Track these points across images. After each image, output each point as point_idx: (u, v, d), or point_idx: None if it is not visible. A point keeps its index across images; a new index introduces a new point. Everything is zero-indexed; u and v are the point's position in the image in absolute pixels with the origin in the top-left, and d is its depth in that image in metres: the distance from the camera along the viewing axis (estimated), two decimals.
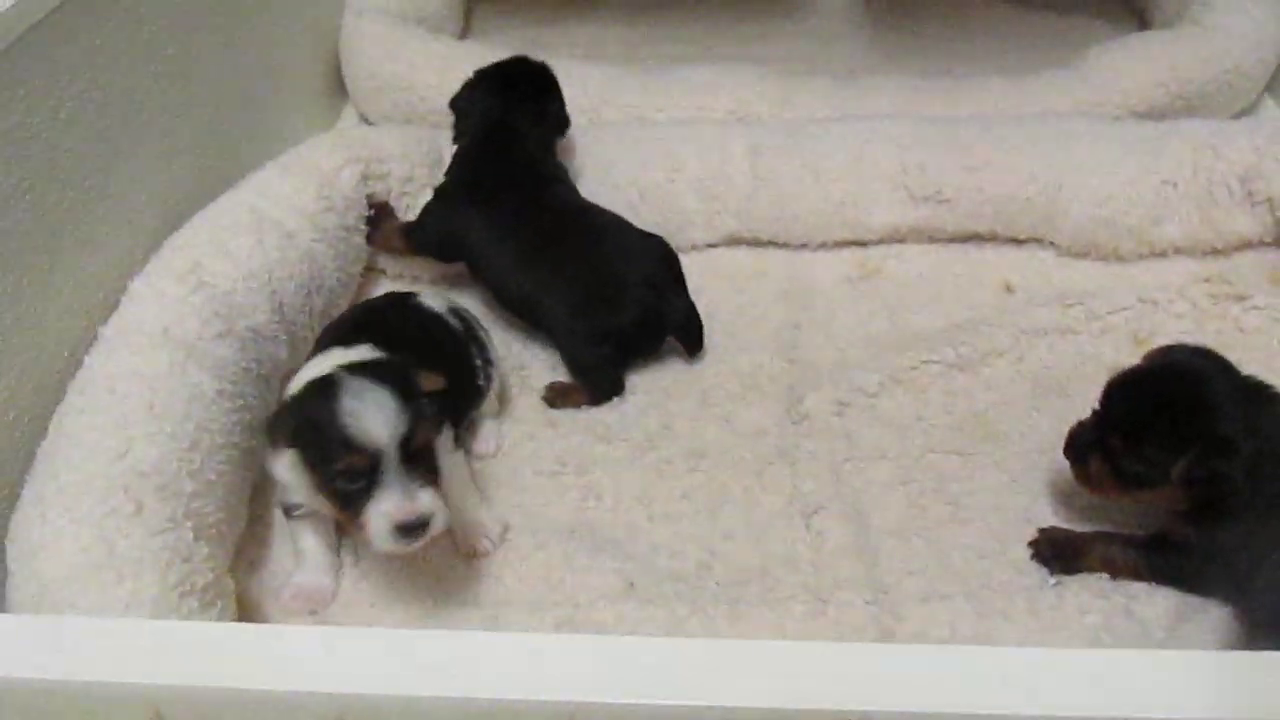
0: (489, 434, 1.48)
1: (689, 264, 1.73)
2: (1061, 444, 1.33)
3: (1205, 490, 1.19)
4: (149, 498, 1.13)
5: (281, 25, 1.94)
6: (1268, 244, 1.68)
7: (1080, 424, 1.30)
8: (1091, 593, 1.26)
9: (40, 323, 1.29)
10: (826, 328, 1.64)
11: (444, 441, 1.23)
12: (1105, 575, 1.28)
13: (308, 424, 1.11)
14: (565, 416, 1.51)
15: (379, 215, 1.66)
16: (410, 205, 1.71)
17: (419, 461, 1.12)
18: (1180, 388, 1.21)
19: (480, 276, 1.60)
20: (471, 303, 1.63)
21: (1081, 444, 1.28)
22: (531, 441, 1.48)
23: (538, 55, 2.21)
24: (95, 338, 1.33)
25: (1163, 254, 1.69)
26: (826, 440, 1.46)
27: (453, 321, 1.48)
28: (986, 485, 1.41)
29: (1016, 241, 1.73)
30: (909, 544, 1.33)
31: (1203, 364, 1.23)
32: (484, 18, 2.42)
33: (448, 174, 1.64)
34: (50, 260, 1.31)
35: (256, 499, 1.38)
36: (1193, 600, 1.25)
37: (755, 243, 1.76)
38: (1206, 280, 1.64)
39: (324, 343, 1.39)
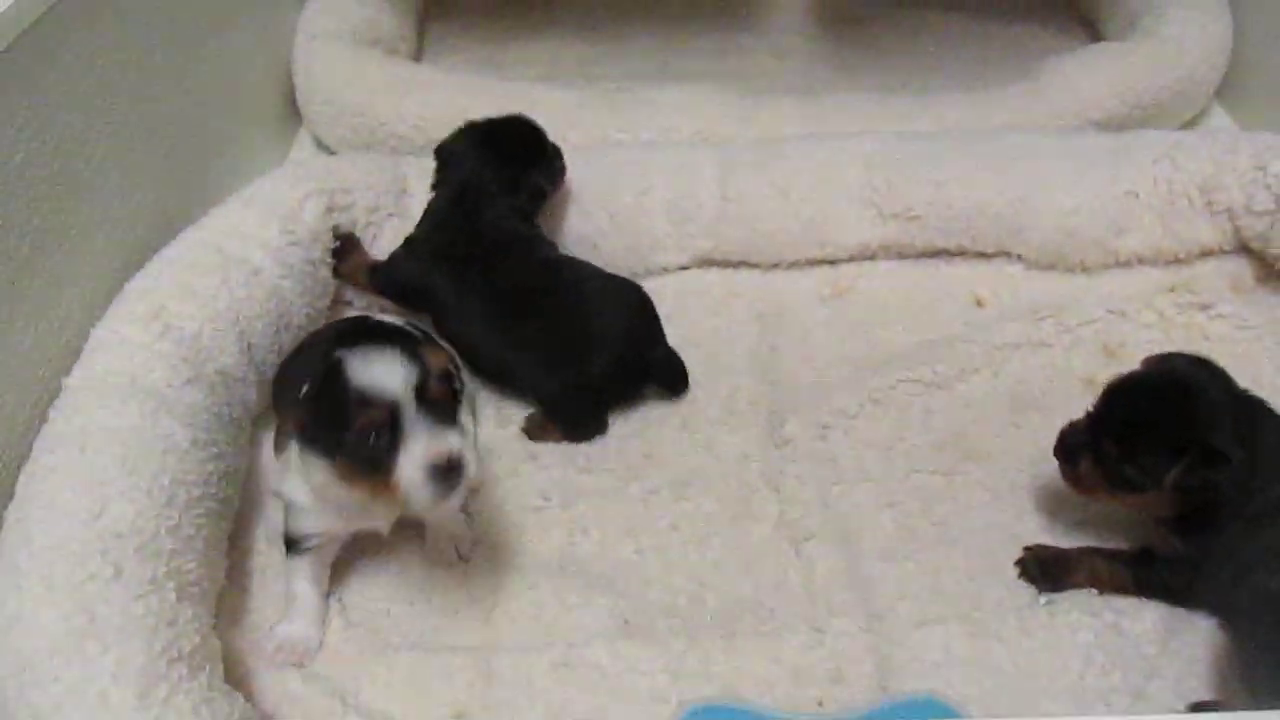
0: None
1: (661, 287, 1.73)
2: (1041, 458, 1.35)
3: (1195, 499, 1.21)
4: (128, 560, 1.09)
5: (235, 52, 1.90)
6: (1228, 252, 1.70)
7: (1072, 425, 1.31)
8: (1082, 610, 1.27)
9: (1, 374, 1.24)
10: (802, 349, 1.64)
11: (463, 411, 1.20)
12: (1094, 591, 1.29)
13: (318, 402, 1.08)
14: (546, 449, 1.49)
15: (345, 247, 1.62)
16: (376, 235, 1.67)
17: (438, 410, 1.07)
18: (1178, 397, 1.22)
19: (444, 334, 1.53)
20: None
21: (1073, 445, 1.29)
22: (514, 476, 1.46)
23: (493, 73, 2.23)
24: (59, 389, 1.28)
25: (1127, 264, 1.71)
26: (811, 464, 1.46)
27: (415, 332, 1.46)
28: (972, 504, 1.42)
29: (985, 255, 1.74)
30: (900, 567, 1.34)
31: (1201, 375, 1.25)
32: (438, 37, 2.38)
33: (419, 224, 1.59)
34: (9, 309, 1.25)
35: (233, 548, 1.34)
36: (1180, 613, 1.27)
37: (726, 264, 1.75)
38: (1171, 290, 1.67)
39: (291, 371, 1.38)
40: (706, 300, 1.72)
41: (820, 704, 1.21)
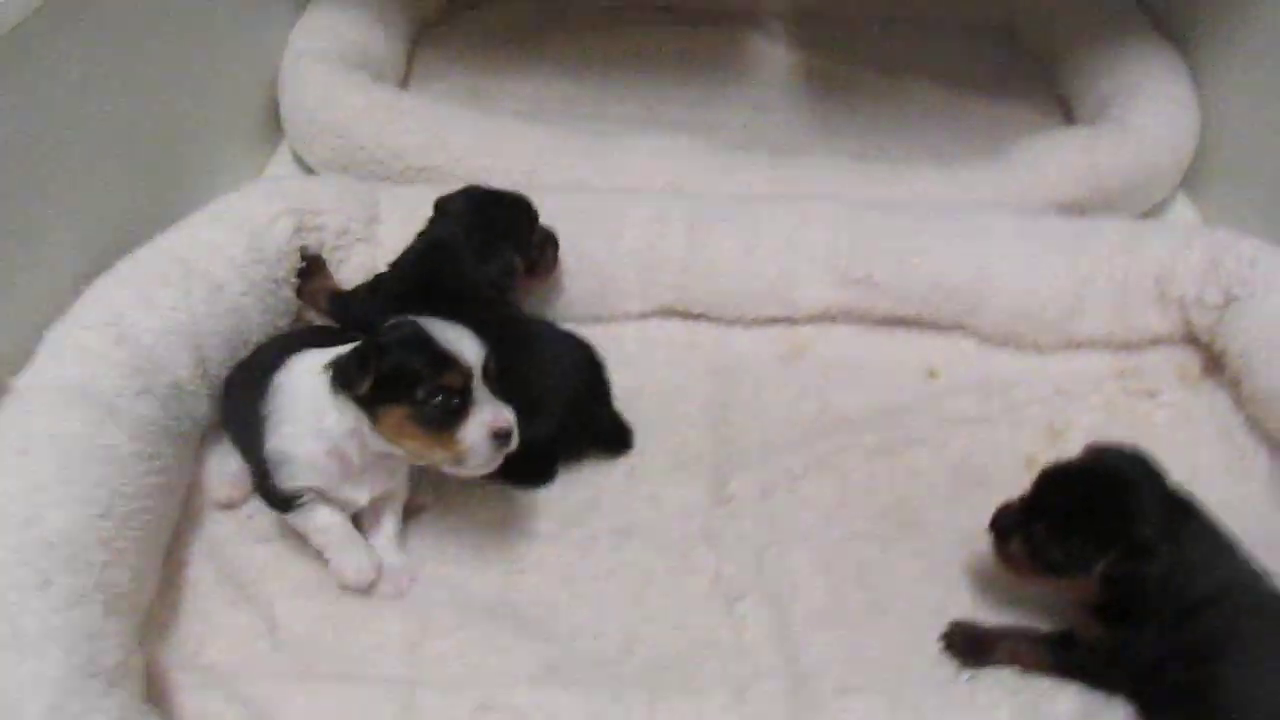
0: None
1: (621, 333, 1.76)
2: (977, 534, 1.37)
3: (1120, 589, 1.23)
4: (58, 570, 1.09)
5: (222, 63, 1.91)
6: (1177, 342, 1.74)
7: (1007, 504, 1.33)
8: (1004, 688, 1.30)
9: None
10: (754, 406, 1.65)
11: None
12: (1017, 669, 1.31)
13: (404, 356, 1.19)
14: (491, 489, 1.50)
15: (311, 269, 1.63)
16: (343, 259, 1.68)
17: (492, 387, 1.24)
18: (1111, 488, 1.25)
19: None
20: None
21: (1006, 524, 1.32)
22: (454, 514, 1.46)
23: (477, 105, 2.24)
24: (5, 389, 1.28)
25: (1079, 346, 1.75)
26: (751, 523, 1.47)
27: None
28: (905, 575, 1.44)
29: (942, 328, 1.77)
30: (828, 634, 1.35)
31: (1136, 468, 1.28)
32: (427, 63, 2.40)
33: (391, 264, 1.60)
34: None
35: (166, 561, 1.34)
36: (1099, 697, 1.29)
37: (688, 315, 1.77)
38: (1120, 375, 1.71)
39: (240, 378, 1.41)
40: (666, 350, 1.74)
41: None
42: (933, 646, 1.34)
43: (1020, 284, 1.72)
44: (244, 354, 1.49)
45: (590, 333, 1.73)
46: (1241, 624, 1.19)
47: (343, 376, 1.21)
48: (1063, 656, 1.29)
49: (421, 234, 1.62)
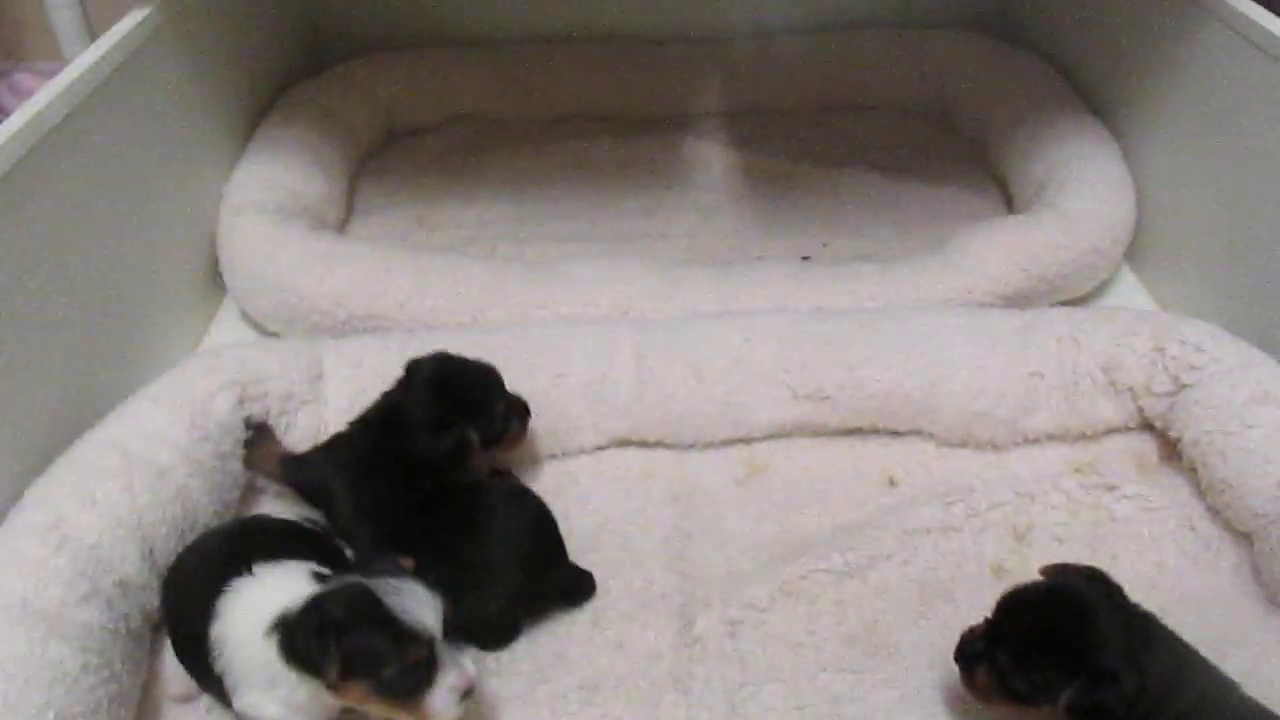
0: None
1: (577, 468, 1.74)
2: (948, 654, 1.35)
3: (1088, 717, 1.22)
4: None
5: (156, 226, 1.90)
6: (1132, 429, 1.75)
7: (971, 630, 1.32)
8: None
9: None
10: (717, 534, 1.64)
11: None
12: None
13: (365, 639, 1.16)
14: None
15: (258, 437, 1.62)
16: (290, 424, 1.67)
17: (447, 634, 1.22)
18: (1069, 614, 1.23)
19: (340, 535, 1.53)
20: None
21: (971, 653, 1.30)
22: None
23: (421, 235, 2.26)
24: None
25: (1036, 441, 1.75)
26: (719, 665, 1.45)
27: (312, 527, 1.49)
28: (879, 705, 1.41)
29: (897, 434, 1.76)
30: None
31: (1093, 591, 1.26)
32: (368, 197, 2.41)
33: (349, 424, 1.59)
34: None
35: None
36: None
37: (643, 444, 1.77)
38: (1078, 470, 1.70)
39: (192, 574, 1.38)
40: (623, 482, 1.72)
41: None
42: None
43: (971, 384, 1.72)
44: (191, 538, 1.46)
45: (544, 469, 1.73)
46: None
47: (302, 659, 1.17)
48: None
49: (385, 394, 1.60)
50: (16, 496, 1.40)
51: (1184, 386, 1.65)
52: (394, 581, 1.19)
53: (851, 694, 1.42)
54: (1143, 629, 1.24)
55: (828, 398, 1.73)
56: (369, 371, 1.71)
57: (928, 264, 1.95)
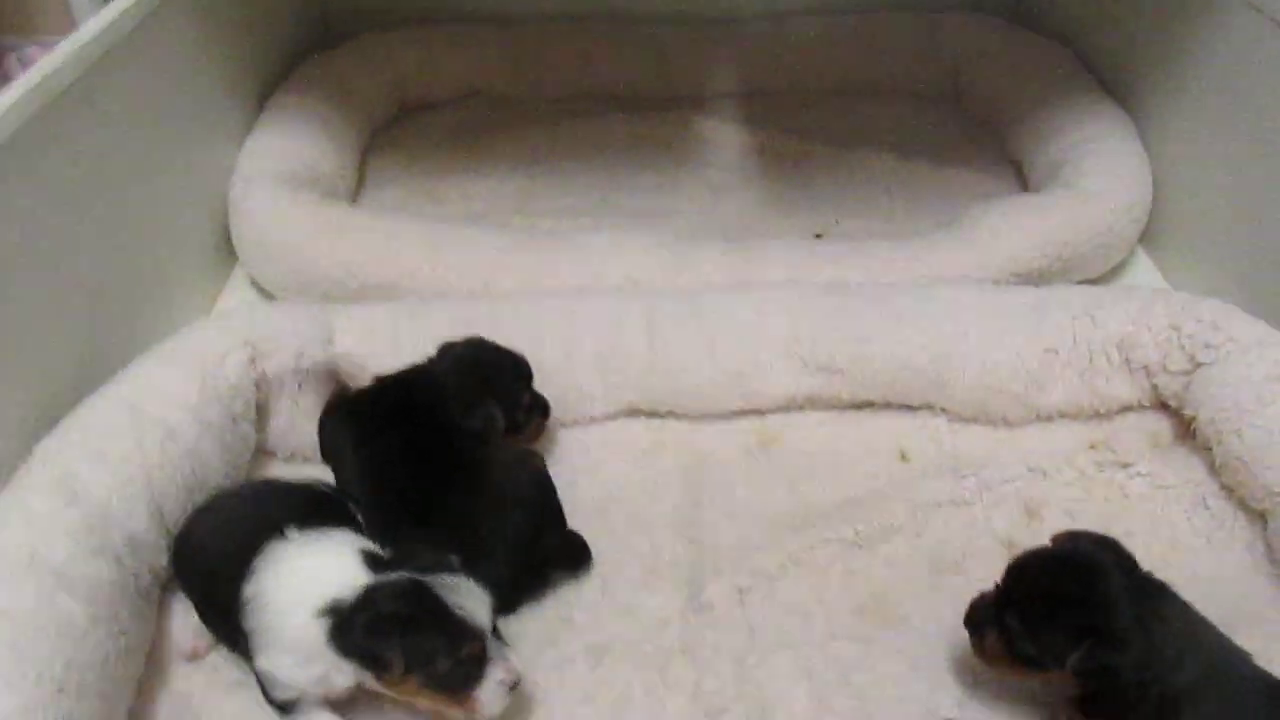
0: None
1: (586, 437, 1.74)
2: (958, 625, 1.34)
3: (1097, 682, 1.21)
4: None
5: (169, 193, 1.90)
6: (1147, 408, 1.73)
7: (982, 596, 1.31)
8: None
9: None
10: (726, 504, 1.63)
11: None
12: None
13: (425, 636, 1.17)
14: None
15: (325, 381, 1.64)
16: (303, 384, 1.66)
17: (496, 630, 1.25)
18: (1079, 579, 1.23)
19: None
20: None
21: (980, 618, 1.30)
22: None
23: (432, 208, 2.25)
24: None
25: (1049, 419, 1.74)
26: (729, 631, 1.44)
27: (323, 489, 1.49)
28: (889, 674, 1.40)
29: (910, 408, 1.76)
30: None
31: (1104, 556, 1.25)
32: (379, 169, 2.41)
33: (371, 382, 1.59)
34: None
35: None
36: None
37: (653, 414, 1.76)
38: (1092, 447, 1.69)
39: (217, 531, 1.38)
40: (633, 451, 1.72)
41: None
42: None
43: (984, 359, 1.71)
44: (201, 498, 1.46)
45: (555, 438, 1.72)
46: (1226, 715, 1.16)
47: (359, 653, 1.18)
48: None
49: (413, 366, 1.60)
50: (26, 454, 1.39)
51: (1200, 365, 1.64)
52: (449, 577, 1.21)
53: (860, 662, 1.42)
54: (1154, 597, 1.23)
55: (840, 371, 1.72)
56: (380, 336, 1.70)
57: (941, 240, 1.95)
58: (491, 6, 2.73)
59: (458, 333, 1.67)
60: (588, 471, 1.68)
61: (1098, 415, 1.74)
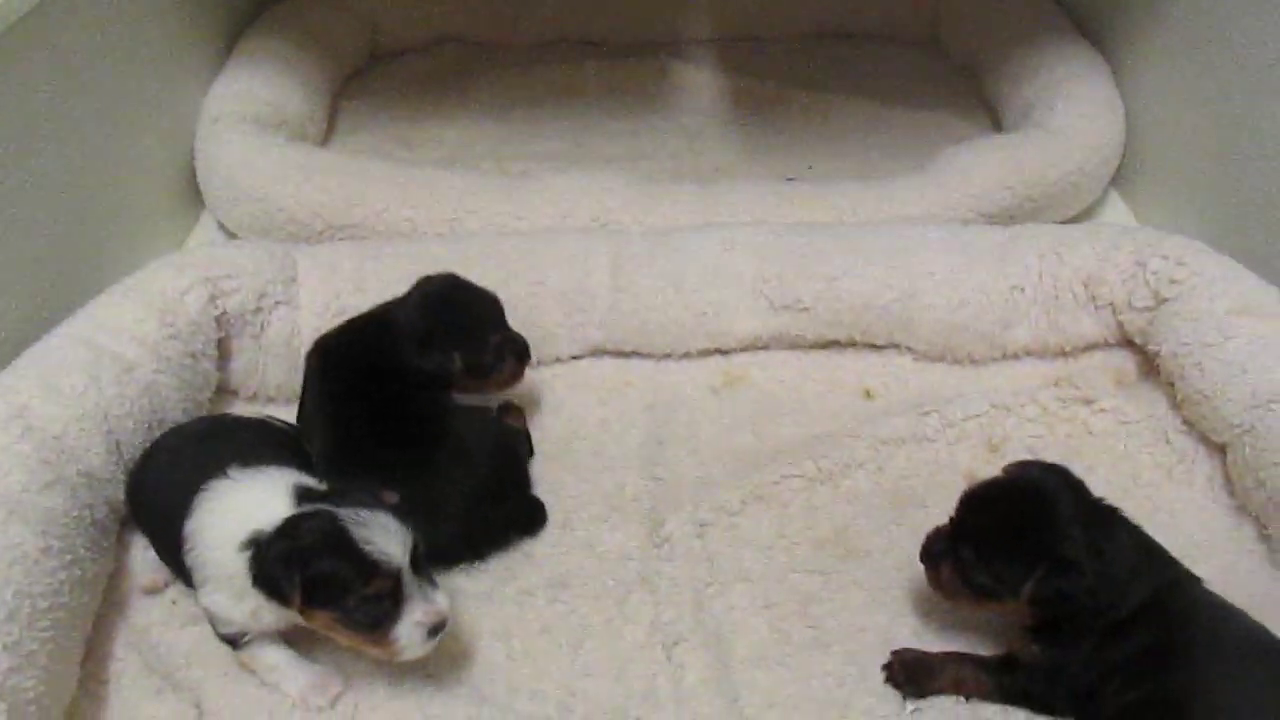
0: None
1: (552, 377, 1.73)
2: (918, 558, 1.35)
3: (1051, 609, 1.22)
4: None
5: (135, 133, 1.89)
6: (1112, 345, 1.73)
7: (937, 530, 1.32)
8: (947, 718, 1.27)
9: None
10: (690, 441, 1.63)
11: None
12: (961, 699, 1.29)
13: (329, 565, 1.15)
14: None
15: None
16: (265, 324, 1.65)
17: (423, 570, 1.21)
18: (1030, 507, 1.24)
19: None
20: None
21: (936, 550, 1.30)
22: None
23: (404, 153, 2.23)
24: None
25: (1014, 357, 1.74)
26: (688, 565, 1.45)
27: (281, 426, 1.50)
28: (848, 605, 1.41)
29: (876, 347, 1.75)
30: (770, 673, 1.33)
31: (1055, 483, 1.26)
32: (350, 115, 2.39)
33: (341, 324, 1.55)
34: None
35: (89, 655, 1.31)
36: None
37: (619, 353, 1.75)
38: (1055, 384, 1.69)
39: (166, 467, 1.38)
40: (598, 391, 1.72)
41: None
42: (877, 679, 1.32)
43: (950, 297, 1.71)
44: (160, 433, 1.46)
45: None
46: (1177, 637, 1.17)
47: (267, 583, 1.16)
48: (1005, 680, 1.27)
49: (385, 303, 1.56)
50: None
51: (1164, 301, 1.64)
52: (364, 512, 1.17)
53: (820, 594, 1.43)
54: (1105, 520, 1.23)
55: (806, 309, 1.72)
56: (344, 275, 1.70)
57: (910, 180, 1.94)
58: None
59: (422, 273, 1.66)
60: (553, 410, 1.68)
61: (1063, 353, 1.74)
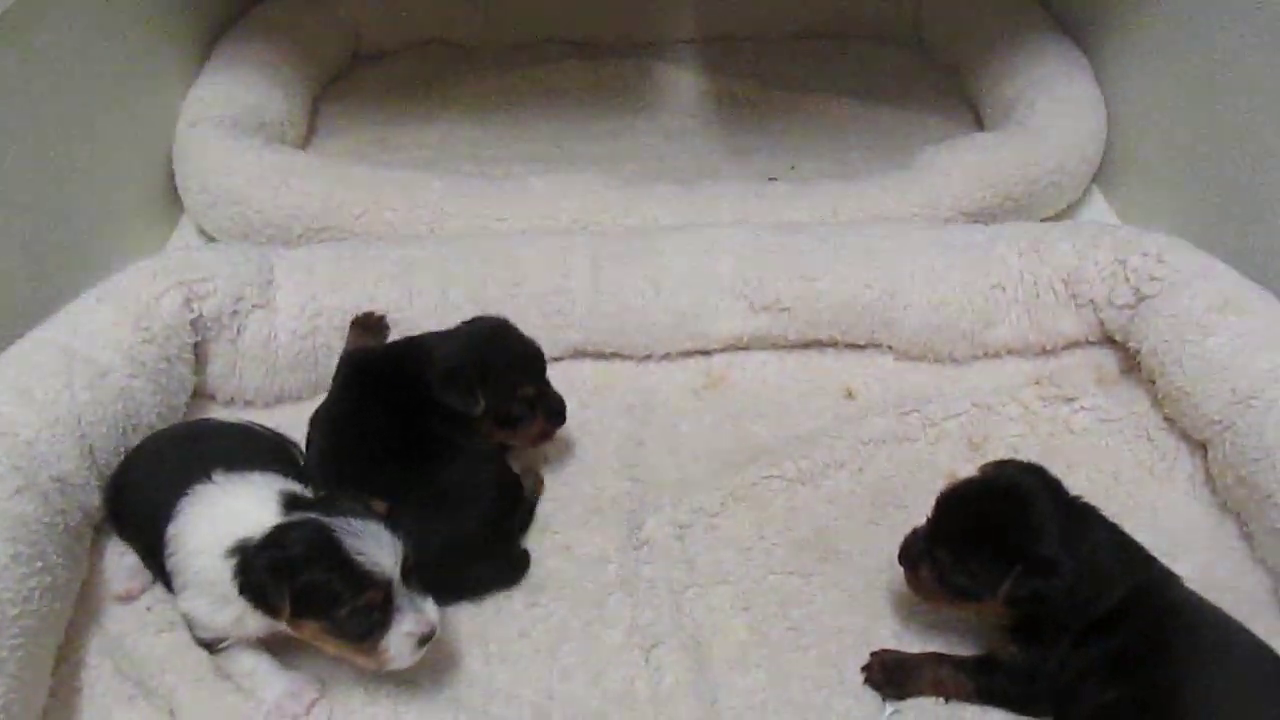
0: None
1: None
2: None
3: (1028, 609, 1.21)
4: None
5: (114, 138, 1.88)
6: (1093, 343, 1.73)
7: (915, 531, 1.31)
8: None
9: None
10: (670, 442, 1.62)
11: None
12: (940, 700, 1.28)
13: (319, 576, 1.13)
14: None
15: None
16: (242, 327, 1.64)
17: (413, 580, 1.20)
18: (1006, 507, 1.23)
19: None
20: None
21: (914, 551, 1.29)
22: None
23: (384, 155, 2.22)
24: None
25: (996, 355, 1.74)
26: (667, 567, 1.44)
27: (263, 431, 1.48)
28: (827, 606, 1.40)
29: (857, 347, 1.75)
30: (748, 675, 1.32)
31: (1031, 482, 1.25)
32: (330, 118, 2.38)
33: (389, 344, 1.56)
34: None
35: (61, 663, 1.30)
36: None
37: (599, 355, 1.75)
38: (1037, 382, 1.68)
39: (149, 470, 1.37)
40: (579, 392, 1.70)
41: None
42: (856, 680, 1.31)
43: (931, 296, 1.70)
44: (135, 439, 1.45)
45: None
46: (1155, 636, 1.16)
47: (254, 593, 1.15)
48: (984, 682, 1.26)
49: (428, 334, 1.54)
50: None
51: (1144, 298, 1.64)
52: (355, 522, 1.16)
53: (798, 595, 1.42)
54: (1081, 519, 1.23)
55: (786, 309, 1.71)
56: (321, 278, 1.68)
57: (891, 180, 1.93)
58: None
59: (399, 276, 1.65)
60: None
61: (1044, 351, 1.74)
